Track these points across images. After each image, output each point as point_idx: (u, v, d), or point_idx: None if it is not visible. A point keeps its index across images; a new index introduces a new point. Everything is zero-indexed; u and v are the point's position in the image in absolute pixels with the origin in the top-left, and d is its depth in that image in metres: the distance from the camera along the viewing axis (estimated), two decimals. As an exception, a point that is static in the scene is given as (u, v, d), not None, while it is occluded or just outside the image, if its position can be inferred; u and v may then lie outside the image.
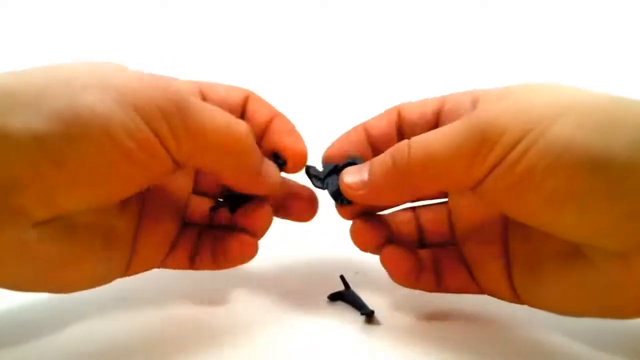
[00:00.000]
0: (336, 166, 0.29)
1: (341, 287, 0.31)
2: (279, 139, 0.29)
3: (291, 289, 0.32)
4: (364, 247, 0.29)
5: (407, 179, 0.25)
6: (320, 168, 0.30)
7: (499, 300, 0.30)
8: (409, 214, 0.31)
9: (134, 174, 0.23)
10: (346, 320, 0.28)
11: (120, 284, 0.27)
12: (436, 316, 0.29)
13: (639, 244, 0.20)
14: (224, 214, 0.31)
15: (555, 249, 0.24)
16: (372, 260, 0.29)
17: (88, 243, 0.24)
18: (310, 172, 0.30)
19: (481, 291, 0.28)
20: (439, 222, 0.30)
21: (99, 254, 0.24)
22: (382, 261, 0.28)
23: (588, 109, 0.21)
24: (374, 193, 0.26)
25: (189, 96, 0.23)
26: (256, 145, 0.26)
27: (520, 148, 0.21)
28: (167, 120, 0.22)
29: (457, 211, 0.29)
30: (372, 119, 0.30)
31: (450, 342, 0.26)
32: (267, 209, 0.29)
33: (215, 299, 0.31)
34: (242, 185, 0.27)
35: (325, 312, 0.30)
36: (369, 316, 0.28)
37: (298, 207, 0.31)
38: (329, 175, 0.29)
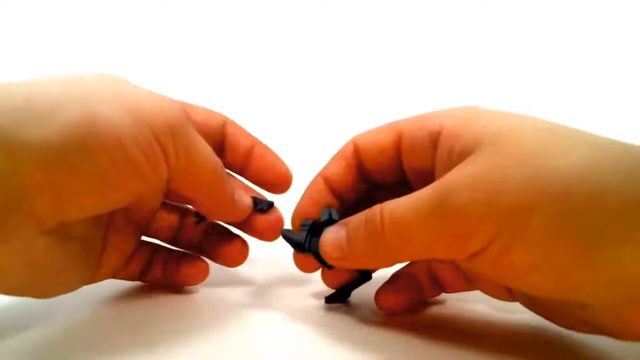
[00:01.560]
0: (314, 223, 0.28)
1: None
2: (264, 165, 0.31)
3: (291, 288, 0.32)
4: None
5: (384, 252, 0.24)
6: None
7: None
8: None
9: (135, 186, 0.23)
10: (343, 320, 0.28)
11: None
12: (432, 315, 0.29)
13: (628, 296, 0.20)
14: (190, 232, 0.32)
15: None
16: None
17: (76, 251, 0.25)
18: (290, 237, 0.29)
19: (480, 291, 0.28)
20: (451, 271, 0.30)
21: (80, 262, 0.25)
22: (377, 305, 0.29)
23: (563, 195, 0.20)
24: (353, 262, 0.26)
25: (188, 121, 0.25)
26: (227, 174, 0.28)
27: (500, 243, 0.21)
28: (174, 137, 0.24)
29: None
30: (328, 164, 0.29)
31: (446, 340, 0.26)
32: (242, 242, 0.31)
33: (208, 298, 0.31)
34: (218, 211, 0.29)
35: (322, 313, 0.29)
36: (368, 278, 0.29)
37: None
38: (308, 235, 0.28)
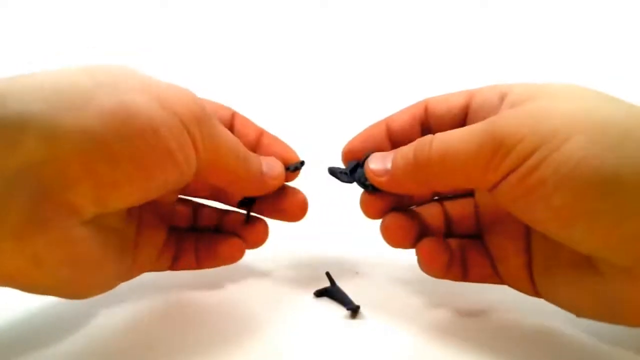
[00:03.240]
0: (358, 162, 0.30)
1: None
2: (272, 150, 0.31)
3: (289, 287, 0.32)
4: (396, 243, 0.29)
5: (425, 174, 0.25)
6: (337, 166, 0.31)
7: (492, 298, 0.30)
8: (437, 207, 0.31)
9: (171, 174, 0.23)
10: (332, 316, 0.29)
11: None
12: (425, 313, 0.29)
13: None
14: (207, 216, 0.33)
15: (570, 254, 0.24)
16: (372, 261, 0.30)
17: (113, 243, 0.24)
18: (335, 170, 0.31)
19: (502, 282, 0.28)
20: (466, 214, 0.31)
21: (117, 256, 0.25)
22: (419, 254, 0.29)
23: (603, 125, 0.21)
24: (394, 182, 0.27)
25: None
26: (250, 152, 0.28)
27: (533, 160, 0.21)
28: (199, 127, 0.24)
29: (483, 205, 0.30)
30: (396, 113, 0.30)
31: (441, 338, 0.26)
32: (265, 224, 0.32)
33: (205, 293, 0.31)
34: (251, 188, 0.29)
35: (311, 307, 0.30)
36: (355, 311, 0.29)
37: (291, 206, 0.32)
38: (353, 171, 0.30)
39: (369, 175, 0.28)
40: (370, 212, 0.30)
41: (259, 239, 0.32)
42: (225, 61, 0.67)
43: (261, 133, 0.32)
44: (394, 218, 0.29)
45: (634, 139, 0.20)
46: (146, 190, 0.23)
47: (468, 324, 0.28)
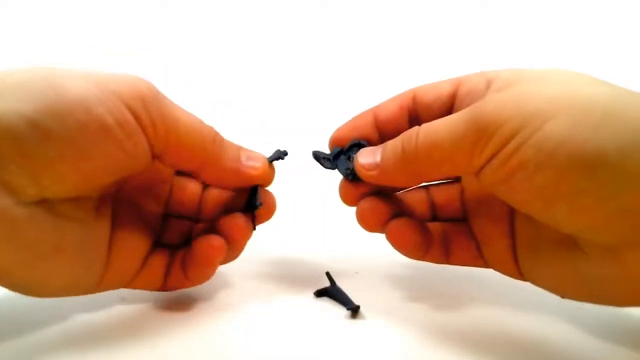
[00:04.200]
0: (342, 149, 0.30)
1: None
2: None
3: (289, 287, 0.32)
4: (369, 226, 0.29)
5: (414, 164, 0.25)
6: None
7: (489, 298, 0.30)
8: (422, 193, 0.32)
9: (112, 153, 0.23)
10: (332, 316, 0.29)
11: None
12: (424, 312, 0.29)
13: (628, 239, 0.20)
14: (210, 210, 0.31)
15: (555, 235, 0.24)
16: (372, 261, 0.30)
17: (70, 236, 0.24)
18: (319, 155, 0.31)
19: (487, 266, 0.29)
20: (451, 199, 0.31)
21: (78, 255, 0.24)
22: (387, 235, 0.29)
23: (586, 105, 0.20)
24: (384, 175, 0.27)
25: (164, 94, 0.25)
26: (229, 141, 0.28)
27: (515, 142, 0.21)
28: (144, 104, 0.23)
29: (469, 189, 0.30)
30: (383, 103, 0.30)
31: (441, 338, 0.26)
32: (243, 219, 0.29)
33: (205, 292, 0.31)
34: (226, 178, 0.28)
35: (311, 307, 0.30)
36: (355, 311, 0.29)
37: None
38: (336, 157, 0.30)
39: (358, 169, 0.28)
40: (347, 199, 0.30)
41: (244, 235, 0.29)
42: (225, 61, 0.67)
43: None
44: (369, 202, 0.29)
45: (617, 118, 0.20)
46: (87, 172, 0.23)
47: (469, 324, 0.28)
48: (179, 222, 0.31)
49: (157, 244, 0.30)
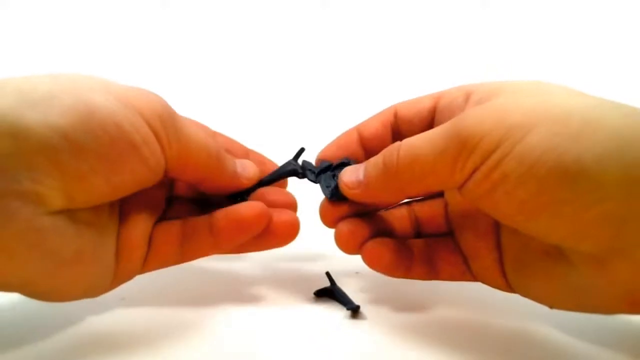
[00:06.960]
0: (330, 165, 0.30)
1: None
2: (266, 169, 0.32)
3: (290, 286, 0.32)
4: (346, 249, 0.29)
5: (396, 180, 0.25)
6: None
7: (487, 298, 0.30)
8: (404, 210, 0.31)
9: (137, 169, 0.24)
10: (332, 316, 0.29)
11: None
12: (424, 313, 0.29)
13: (611, 246, 0.20)
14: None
15: (540, 246, 0.24)
16: None
17: (88, 241, 0.24)
18: (305, 166, 0.31)
19: (475, 279, 0.28)
20: (435, 214, 0.31)
21: (95, 258, 0.25)
22: (362, 256, 0.29)
23: (564, 116, 0.21)
24: (367, 192, 0.27)
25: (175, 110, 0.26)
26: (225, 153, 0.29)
27: (496, 155, 0.21)
28: (162, 123, 0.24)
29: (452, 203, 0.30)
30: (366, 120, 0.31)
31: (437, 337, 0.26)
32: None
33: (204, 292, 0.31)
34: (223, 188, 0.30)
35: (311, 307, 0.30)
36: (355, 311, 0.29)
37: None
38: (322, 172, 0.30)
39: (342, 188, 0.28)
40: (327, 220, 0.30)
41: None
42: (225, 61, 0.67)
43: (248, 151, 0.34)
44: (347, 224, 0.29)
45: (595, 128, 0.20)
46: (114, 184, 0.24)
47: (469, 325, 0.28)
48: (183, 204, 0.31)
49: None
